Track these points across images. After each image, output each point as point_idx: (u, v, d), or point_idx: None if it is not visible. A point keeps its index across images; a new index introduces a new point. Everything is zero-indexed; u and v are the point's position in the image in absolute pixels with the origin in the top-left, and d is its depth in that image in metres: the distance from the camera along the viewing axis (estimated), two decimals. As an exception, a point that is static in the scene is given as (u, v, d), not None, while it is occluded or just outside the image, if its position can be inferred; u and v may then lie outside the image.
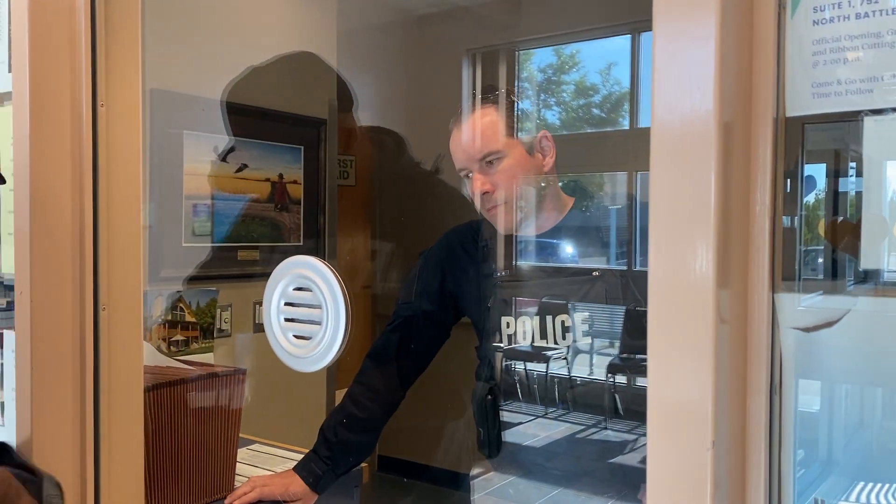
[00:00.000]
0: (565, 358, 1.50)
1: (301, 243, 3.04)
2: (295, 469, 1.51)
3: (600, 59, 4.24)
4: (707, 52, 0.59)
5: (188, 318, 2.41)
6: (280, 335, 1.01)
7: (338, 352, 0.95)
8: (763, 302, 0.57)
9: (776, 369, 0.59)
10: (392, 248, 3.89)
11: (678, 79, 0.61)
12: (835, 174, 0.71)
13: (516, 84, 3.95)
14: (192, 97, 2.57)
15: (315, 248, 3.13)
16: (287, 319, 1.01)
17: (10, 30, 1.26)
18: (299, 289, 1.00)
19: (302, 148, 3.00)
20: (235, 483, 1.52)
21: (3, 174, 1.27)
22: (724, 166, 0.59)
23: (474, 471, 1.56)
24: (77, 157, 1.12)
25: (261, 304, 2.93)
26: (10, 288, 1.29)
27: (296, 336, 1.00)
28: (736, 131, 0.60)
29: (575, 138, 4.28)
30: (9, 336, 1.28)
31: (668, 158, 0.61)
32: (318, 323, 0.96)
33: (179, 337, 2.33)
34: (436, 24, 3.99)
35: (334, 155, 3.24)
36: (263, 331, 2.99)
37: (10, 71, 1.29)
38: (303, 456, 1.54)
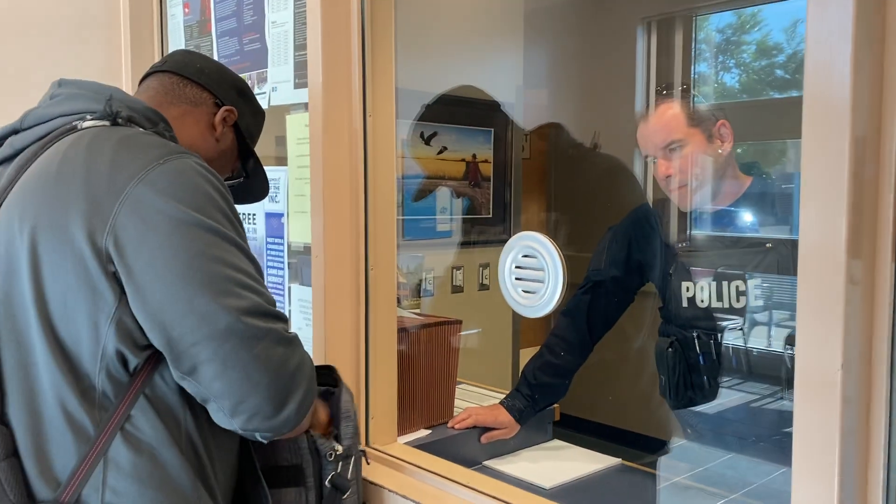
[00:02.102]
0: (741, 329, 1.66)
1: (490, 215, 3.37)
2: (501, 403, 1.82)
3: (785, 16, 4.07)
4: (845, 56, 0.79)
5: (400, 278, 2.82)
6: (512, 289, 1.34)
7: (556, 303, 1.26)
8: (887, 269, 0.79)
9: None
10: (566, 217, 4.10)
11: (823, 76, 0.80)
12: None
13: (693, 47, 3.88)
14: (405, 90, 2.94)
15: (502, 219, 3.44)
16: (517, 278, 1.34)
17: (294, 58, 1.67)
18: (526, 255, 1.31)
19: (493, 130, 3.32)
20: (454, 412, 1.88)
21: (290, 165, 1.69)
22: (856, 156, 0.78)
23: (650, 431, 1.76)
24: (353, 155, 1.50)
25: (457, 268, 3.26)
26: (295, 252, 1.72)
27: (524, 290, 1.32)
28: (867, 142, 0.81)
29: (755, 105, 4.13)
30: (295, 289, 1.71)
31: (816, 143, 0.81)
32: (541, 282, 1.27)
33: (394, 295, 2.74)
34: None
35: (520, 135, 3.51)
36: (459, 292, 3.32)
37: (294, 88, 1.70)
38: (506, 394, 1.88)
